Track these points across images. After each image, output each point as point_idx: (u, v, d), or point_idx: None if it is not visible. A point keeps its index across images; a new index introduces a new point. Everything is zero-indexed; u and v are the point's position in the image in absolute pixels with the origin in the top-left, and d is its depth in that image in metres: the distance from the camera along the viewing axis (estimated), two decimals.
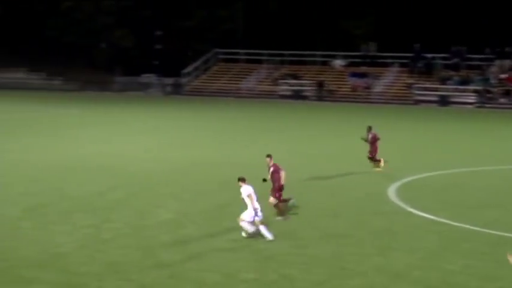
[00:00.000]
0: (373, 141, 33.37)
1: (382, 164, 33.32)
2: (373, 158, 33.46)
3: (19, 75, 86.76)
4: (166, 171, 32.88)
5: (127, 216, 24.28)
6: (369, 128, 33.60)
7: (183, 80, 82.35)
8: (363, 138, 33.73)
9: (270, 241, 21.10)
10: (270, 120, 56.70)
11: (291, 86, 79.04)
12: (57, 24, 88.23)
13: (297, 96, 77.20)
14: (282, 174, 23.66)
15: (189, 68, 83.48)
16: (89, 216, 24.15)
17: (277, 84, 79.35)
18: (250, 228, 21.39)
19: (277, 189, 23.74)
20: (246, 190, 21.35)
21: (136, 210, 25.18)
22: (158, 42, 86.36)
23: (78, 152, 37.65)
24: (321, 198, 27.62)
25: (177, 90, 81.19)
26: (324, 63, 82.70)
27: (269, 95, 77.82)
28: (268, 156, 23.99)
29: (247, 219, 21.36)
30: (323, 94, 76.70)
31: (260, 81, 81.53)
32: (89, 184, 29.50)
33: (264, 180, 23.63)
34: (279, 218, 23.78)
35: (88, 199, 26.80)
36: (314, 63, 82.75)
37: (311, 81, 78.54)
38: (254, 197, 21.30)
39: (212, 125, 51.98)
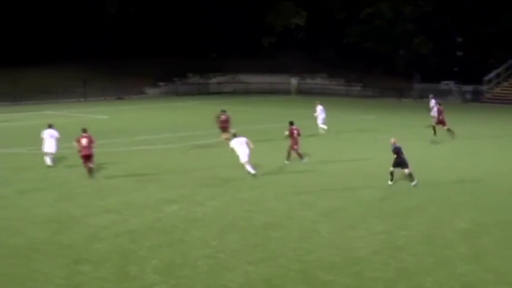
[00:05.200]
0: None
1: None
2: None
3: (319, 81, 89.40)
4: (461, 179, 32.28)
5: (421, 224, 24.18)
6: None
7: (483, 88, 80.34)
8: None
9: None
10: None
11: None
12: (357, 31, 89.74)
13: None
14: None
15: (491, 75, 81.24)
16: (383, 221, 24.35)
17: None
18: None
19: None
20: None
21: (430, 218, 25.00)
22: (459, 48, 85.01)
23: (371, 157, 38.00)
24: None
25: (476, 97, 79.39)
26: None
27: None
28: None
29: None
30: None
31: None
32: (383, 189, 29.71)
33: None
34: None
35: (382, 204, 27.03)
36: None
37: None
38: None
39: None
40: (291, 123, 36.13)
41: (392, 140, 31.56)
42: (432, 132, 45.90)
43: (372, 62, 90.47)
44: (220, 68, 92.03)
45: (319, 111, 48.74)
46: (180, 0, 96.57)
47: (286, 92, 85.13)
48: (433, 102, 51.70)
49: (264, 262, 20.10)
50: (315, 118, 48.68)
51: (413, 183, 30.52)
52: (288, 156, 35.96)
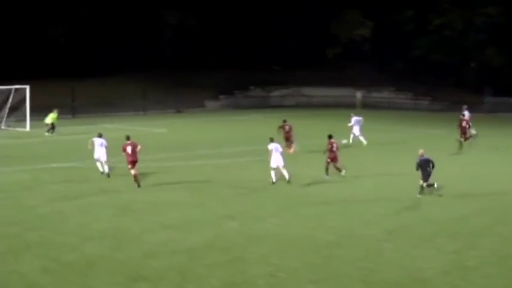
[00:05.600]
0: None
1: None
2: None
3: (385, 95, 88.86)
4: None
5: (493, 244, 23.80)
6: None
7: None
8: None
9: None
10: None
11: None
12: (425, 43, 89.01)
13: None
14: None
15: None
16: (452, 241, 24.03)
17: None
18: None
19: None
20: None
21: (502, 238, 24.60)
22: None
23: (440, 175, 37.55)
24: None
25: None
26: None
27: None
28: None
29: None
30: None
31: None
32: (453, 207, 29.36)
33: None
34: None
35: (451, 223, 26.69)
36: None
37: None
38: None
39: None
40: (330, 137, 36.42)
41: (421, 151, 31.81)
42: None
43: (441, 74, 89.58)
44: (283, 80, 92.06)
45: (354, 122, 49.36)
46: (241, 12, 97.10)
47: (350, 106, 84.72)
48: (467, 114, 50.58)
49: (327, 282, 19.98)
50: (349, 128, 49.30)
51: (419, 196, 31.00)
52: (338, 169, 36.10)
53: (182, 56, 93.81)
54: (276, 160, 34.54)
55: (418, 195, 31.12)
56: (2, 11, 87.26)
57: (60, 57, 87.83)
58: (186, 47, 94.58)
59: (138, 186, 33.41)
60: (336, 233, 25.13)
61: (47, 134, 54.57)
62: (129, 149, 33.65)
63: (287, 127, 45.57)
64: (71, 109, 72.97)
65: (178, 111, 79.41)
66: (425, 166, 31.21)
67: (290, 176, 34.29)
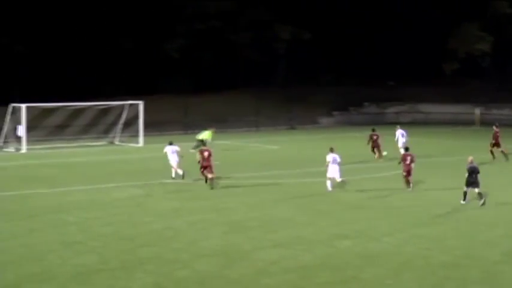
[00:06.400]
0: None
1: None
2: None
3: (506, 112, 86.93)
4: None
5: None
6: None
7: None
8: None
9: None
10: None
11: None
12: None
13: None
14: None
15: None
16: None
17: None
18: None
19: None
20: None
21: None
22: None
23: None
24: None
25: None
26: None
27: None
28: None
29: None
30: None
31: None
32: None
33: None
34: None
35: None
36: None
37: None
38: None
39: None
40: (406, 149, 39.28)
41: (470, 158, 33.83)
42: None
43: None
44: (398, 96, 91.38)
45: (399, 135, 50.63)
46: (356, 25, 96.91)
47: (469, 123, 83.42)
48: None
49: None
50: (396, 142, 50.47)
51: (481, 202, 32.79)
52: (407, 183, 37.29)
53: (296, 72, 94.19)
54: (332, 171, 37.10)
55: (462, 202, 33.21)
56: (116, 29, 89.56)
57: (172, 74, 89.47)
58: (300, 62, 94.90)
59: (211, 187, 37.64)
60: (452, 254, 24.78)
61: (192, 150, 49.98)
62: (206, 154, 38.27)
63: (375, 136, 49.68)
64: (183, 125, 74.16)
65: (291, 128, 79.73)
66: (471, 173, 33.16)
67: (345, 180, 37.21)
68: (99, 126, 65.09)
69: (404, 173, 37.30)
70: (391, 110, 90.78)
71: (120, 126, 63.77)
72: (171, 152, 41.49)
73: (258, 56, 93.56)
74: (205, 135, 53.94)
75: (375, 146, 49.43)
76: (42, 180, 41.83)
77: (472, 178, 33.04)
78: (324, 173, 37.48)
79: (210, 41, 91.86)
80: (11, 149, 57.16)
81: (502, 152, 49.46)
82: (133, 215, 31.64)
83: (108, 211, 32.34)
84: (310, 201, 34.77)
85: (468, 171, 33.19)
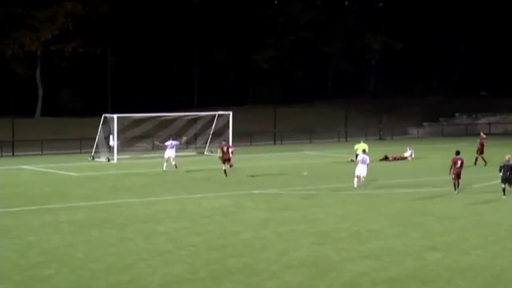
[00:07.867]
0: None
1: None
2: None
3: None
4: None
5: None
6: None
7: None
8: None
9: None
10: None
11: None
12: None
13: None
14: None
15: None
16: None
17: None
18: None
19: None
20: None
21: None
22: None
23: None
24: None
25: None
26: None
27: None
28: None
29: None
30: None
31: None
32: None
33: None
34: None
35: None
36: None
37: None
38: None
39: None
40: (457, 153, 39.56)
41: (508, 156, 36.75)
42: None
43: None
44: (491, 107, 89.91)
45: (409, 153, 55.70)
46: (448, 34, 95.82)
47: None
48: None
49: None
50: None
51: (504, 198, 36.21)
52: (455, 186, 39.21)
53: (386, 82, 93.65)
54: (360, 169, 40.78)
55: (503, 197, 36.56)
56: (207, 40, 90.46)
57: (263, 83, 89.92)
58: (391, 72, 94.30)
59: (226, 175, 45.17)
60: None
61: (350, 159, 55.10)
62: (225, 149, 45.12)
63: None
64: (272, 135, 74.33)
65: (381, 139, 79.21)
66: (506, 170, 36.47)
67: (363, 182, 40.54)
68: (189, 137, 65.62)
69: (453, 176, 38.78)
70: (483, 120, 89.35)
71: (210, 136, 64.24)
72: (171, 147, 48.97)
73: (348, 67, 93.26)
74: (363, 146, 52.00)
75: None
76: (132, 189, 42.44)
77: (505, 175, 36.51)
78: (417, 184, 37.12)
79: (300, 52, 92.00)
80: (102, 159, 58.14)
81: (482, 157, 53.09)
82: (223, 225, 31.82)
83: (197, 221, 32.60)
84: (400, 212, 34.47)
85: (501, 167, 36.76)
